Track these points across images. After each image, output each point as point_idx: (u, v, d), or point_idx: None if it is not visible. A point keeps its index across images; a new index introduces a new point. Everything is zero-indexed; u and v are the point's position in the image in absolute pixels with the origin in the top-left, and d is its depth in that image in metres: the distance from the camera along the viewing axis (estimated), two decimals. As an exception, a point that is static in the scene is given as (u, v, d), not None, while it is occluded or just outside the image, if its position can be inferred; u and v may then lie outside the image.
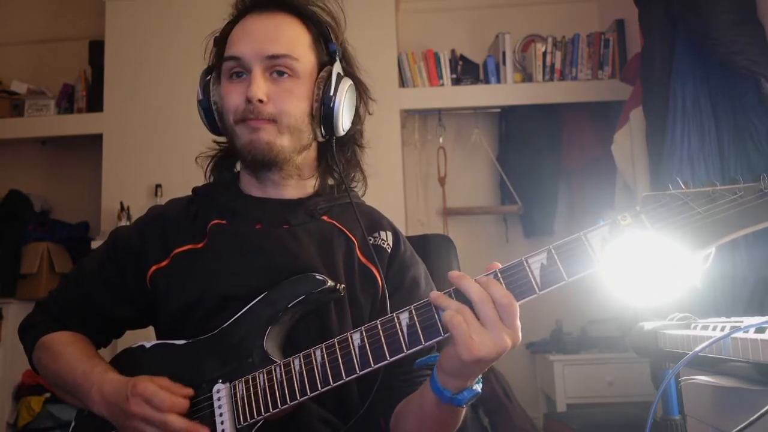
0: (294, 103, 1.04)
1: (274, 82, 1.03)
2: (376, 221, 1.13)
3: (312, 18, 1.08)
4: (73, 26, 3.88)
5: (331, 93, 1.05)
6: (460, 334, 0.76)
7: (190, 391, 0.94)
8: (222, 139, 1.14)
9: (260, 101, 1.01)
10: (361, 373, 0.84)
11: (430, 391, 0.84)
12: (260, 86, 1.01)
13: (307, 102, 1.05)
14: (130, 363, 1.03)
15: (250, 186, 1.11)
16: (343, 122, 1.08)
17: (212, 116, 1.09)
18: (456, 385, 0.82)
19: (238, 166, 1.16)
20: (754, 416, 0.80)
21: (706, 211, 0.74)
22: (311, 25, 1.08)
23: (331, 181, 1.15)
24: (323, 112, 1.05)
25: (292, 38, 1.05)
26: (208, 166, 1.16)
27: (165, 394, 0.91)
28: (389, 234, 1.11)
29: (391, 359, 0.82)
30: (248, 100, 1.01)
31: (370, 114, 1.17)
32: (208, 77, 1.10)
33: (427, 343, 0.81)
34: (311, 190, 1.13)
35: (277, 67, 1.03)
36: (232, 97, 1.04)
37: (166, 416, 0.90)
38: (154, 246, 1.08)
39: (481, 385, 0.84)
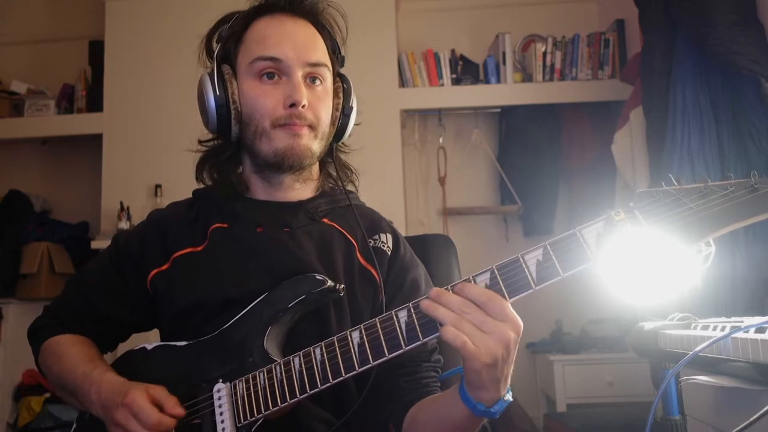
0: (325, 111, 1.06)
1: (308, 88, 1.04)
2: (376, 224, 1.13)
3: (327, 29, 1.10)
4: (73, 26, 3.88)
5: (351, 103, 1.10)
6: (464, 350, 0.76)
7: (181, 412, 0.92)
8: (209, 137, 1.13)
9: (303, 106, 1.02)
10: (360, 370, 0.84)
11: (460, 403, 0.84)
12: (304, 91, 1.02)
13: (330, 110, 1.08)
14: (132, 365, 1.03)
15: (255, 188, 1.11)
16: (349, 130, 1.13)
17: (226, 114, 1.04)
18: (488, 398, 0.81)
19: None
20: (754, 416, 0.80)
21: (698, 206, 0.75)
22: (326, 35, 1.10)
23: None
24: (341, 121, 1.10)
25: (323, 48, 1.08)
26: (198, 169, 1.12)
27: (152, 411, 0.89)
28: (389, 236, 1.12)
29: (390, 356, 0.83)
30: (293, 105, 1.01)
31: (356, 124, 1.18)
32: (223, 72, 1.04)
33: (425, 340, 0.82)
34: (312, 192, 1.13)
35: (313, 74, 1.05)
36: (269, 100, 1.02)
37: None
38: (154, 250, 1.08)
39: (511, 393, 0.85)
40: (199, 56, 1.12)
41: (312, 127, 1.04)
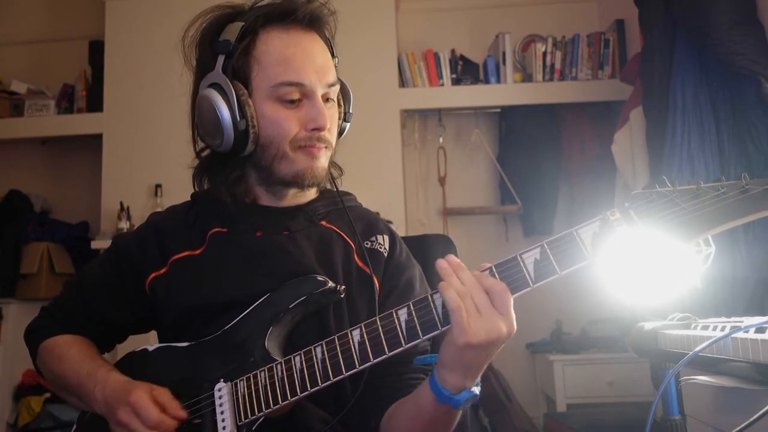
0: (336, 127, 1.07)
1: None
2: (372, 225, 1.14)
3: (327, 37, 1.08)
4: (73, 26, 3.88)
5: (350, 110, 1.11)
6: (457, 318, 0.78)
7: (183, 414, 0.94)
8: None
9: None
10: (361, 368, 0.85)
11: (428, 389, 0.86)
12: (326, 114, 1.01)
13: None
14: (134, 366, 1.04)
15: (259, 198, 1.09)
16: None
17: (244, 138, 1.00)
18: (455, 383, 0.83)
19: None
20: (754, 416, 0.80)
21: (691, 207, 0.77)
22: (328, 44, 1.08)
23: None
24: (341, 127, 1.11)
25: (332, 63, 1.06)
26: (197, 180, 1.10)
27: (154, 411, 0.91)
28: (385, 237, 1.12)
29: (390, 354, 0.84)
30: (317, 129, 1.00)
31: None
32: (238, 93, 0.98)
33: (424, 338, 0.83)
34: (313, 194, 1.13)
35: (328, 95, 1.04)
36: (291, 124, 1.00)
37: None
38: (152, 253, 1.08)
39: (479, 388, 0.86)
40: (186, 58, 1.10)
41: (328, 148, 1.04)
